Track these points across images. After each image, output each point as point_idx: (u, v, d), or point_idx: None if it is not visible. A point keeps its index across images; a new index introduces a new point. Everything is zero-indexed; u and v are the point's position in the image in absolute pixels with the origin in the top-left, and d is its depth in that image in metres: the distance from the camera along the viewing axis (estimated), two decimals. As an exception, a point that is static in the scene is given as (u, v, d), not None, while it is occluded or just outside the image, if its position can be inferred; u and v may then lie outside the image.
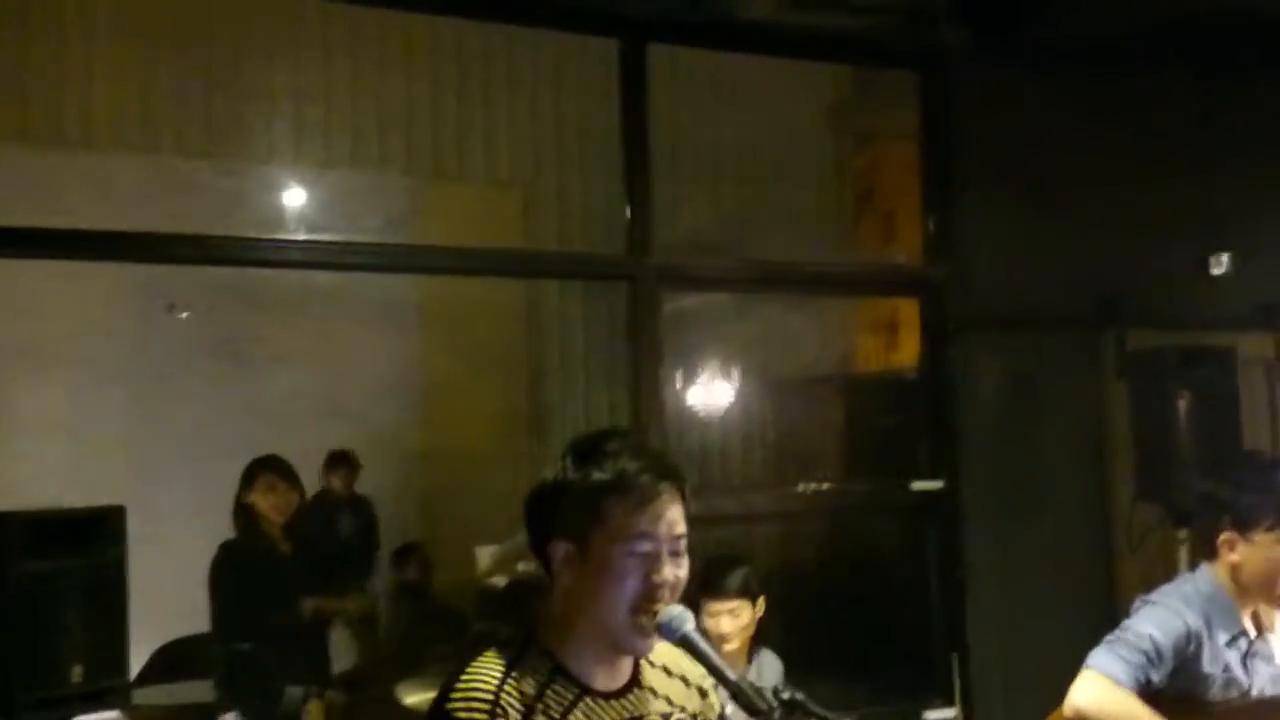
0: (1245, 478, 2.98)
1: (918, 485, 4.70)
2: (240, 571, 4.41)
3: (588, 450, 1.91)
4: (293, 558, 4.66)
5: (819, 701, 4.48)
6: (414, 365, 6.93)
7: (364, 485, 6.45)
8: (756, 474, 6.08)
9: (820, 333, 6.25)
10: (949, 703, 4.20)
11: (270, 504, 4.50)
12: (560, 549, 1.87)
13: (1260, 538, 2.88)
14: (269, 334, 6.66)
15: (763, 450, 6.18)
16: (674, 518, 1.87)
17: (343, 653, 6.04)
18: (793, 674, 4.05)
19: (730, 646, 3.56)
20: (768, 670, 3.70)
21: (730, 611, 3.55)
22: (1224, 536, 2.93)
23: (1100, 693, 2.79)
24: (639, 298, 4.34)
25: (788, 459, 6.08)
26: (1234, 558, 2.91)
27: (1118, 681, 2.77)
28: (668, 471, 1.90)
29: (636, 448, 1.91)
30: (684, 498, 1.91)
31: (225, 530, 4.55)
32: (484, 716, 1.77)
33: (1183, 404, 4.20)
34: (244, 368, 6.67)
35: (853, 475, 5.76)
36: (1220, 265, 4.89)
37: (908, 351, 5.26)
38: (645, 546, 1.84)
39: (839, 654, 5.14)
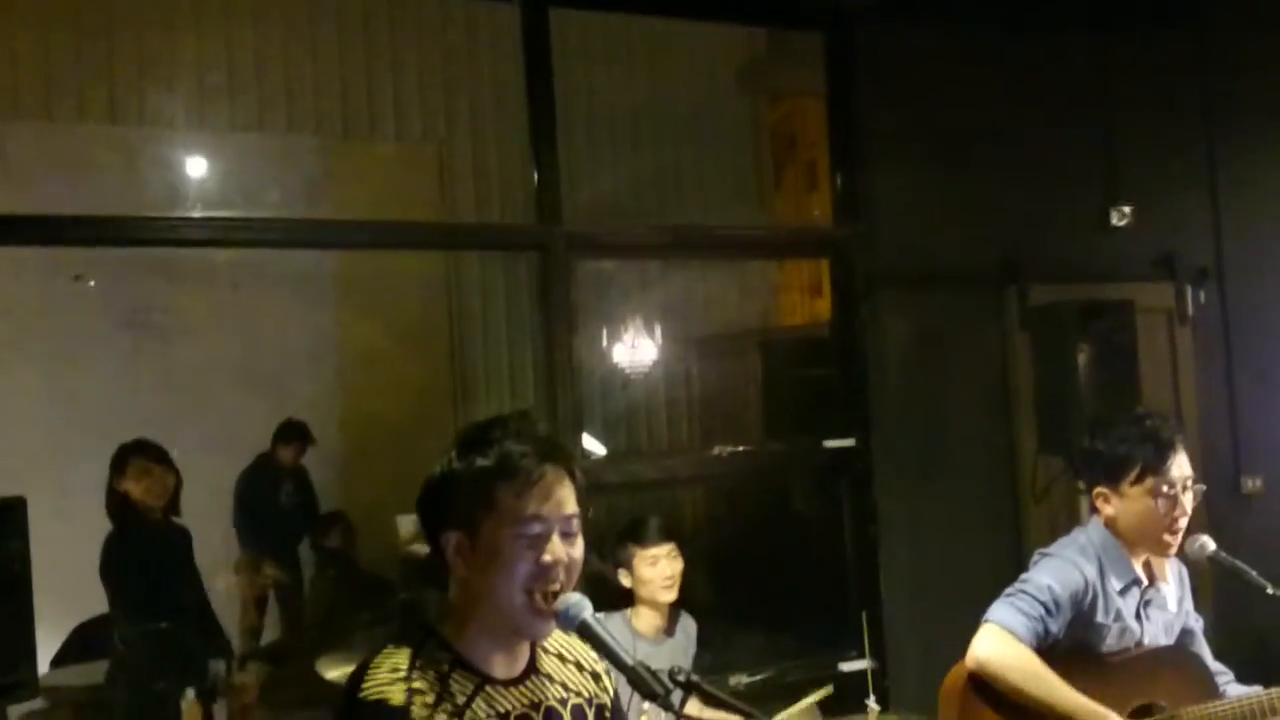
0: (1116, 432, 3.02)
1: (831, 443, 4.77)
2: (127, 566, 4.32)
3: (474, 439, 1.92)
4: (177, 536, 4.56)
5: (742, 655, 4.57)
6: (332, 335, 6.86)
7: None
8: (677, 434, 6.14)
9: (741, 292, 6.30)
10: (863, 655, 4.31)
11: (144, 489, 4.38)
12: (452, 539, 1.89)
13: (1128, 490, 2.93)
14: (181, 304, 6.53)
15: (684, 409, 6.23)
16: (562, 498, 1.89)
17: (272, 623, 6.04)
18: (715, 630, 4.14)
19: (671, 595, 3.64)
20: (689, 633, 3.79)
21: (668, 555, 3.64)
22: (1097, 490, 3.00)
23: (1000, 645, 2.85)
24: (549, 266, 4.34)
25: (708, 418, 6.15)
26: (1109, 510, 2.98)
27: (1016, 634, 2.85)
28: (554, 452, 1.91)
29: (521, 431, 1.91)
30: (573, 477, 1.92)
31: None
32: (403, 694, 1.79)
33: (1082, 357, 4.29)
34: (155, 339, 6.55)
35: (771, 434, 5.84)
36: (1121, 217, 5.01)
37: (827, 310, 5.32)
38: (535, 529, 1.85)
39: (759, 610, 5.25)
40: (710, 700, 1.91)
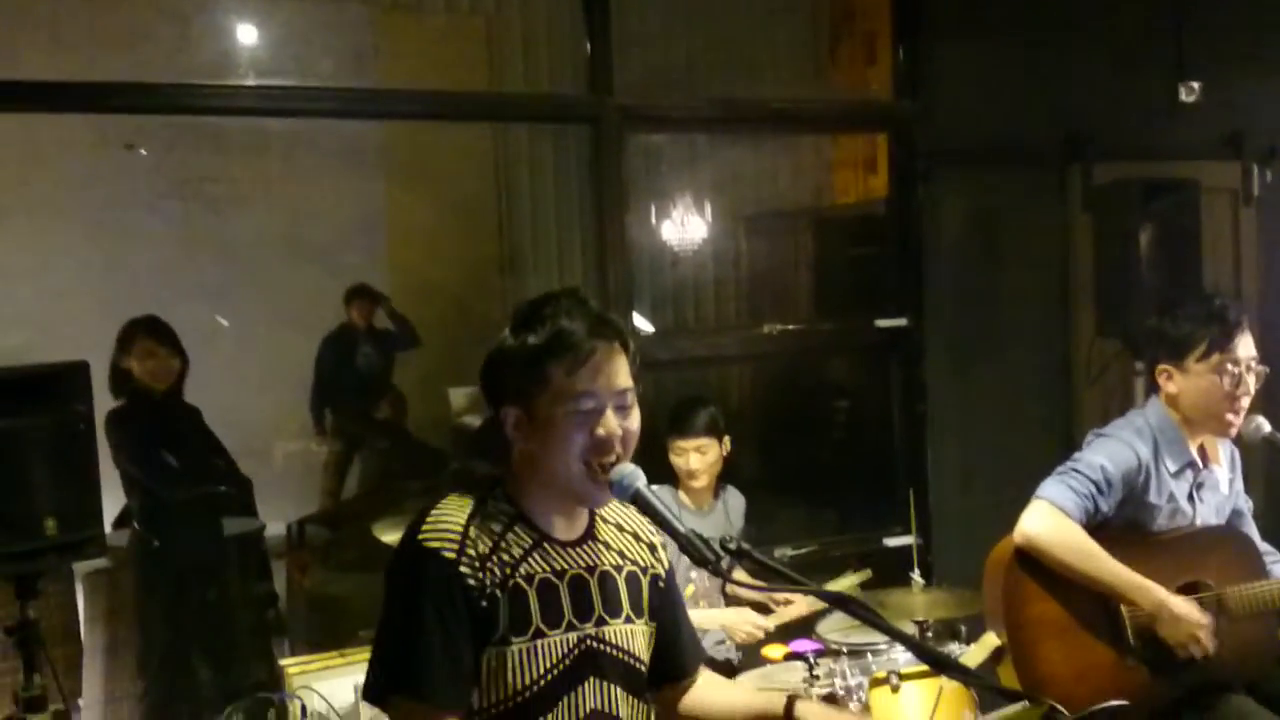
0: (1182, 310, 3.02)
1: (883, 323, 4.74)
2: (131, 440, 4.19)
3: (527, 316, 1.94)
4: (181, 411, 4.39)
5: (788, 530, 4.62)
6: (381, 208, 6.84)
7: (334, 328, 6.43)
8: (726, 312, 6.12)
9: (794, 169, 6.19)
10: (908, 532, 4.34)
11: (147, 369, 4.23)
12: (510, 414, 1.93)
13: (1193, 366, 2.93)
14: (232, 174, 6.53)
15: (734, 288, 6.19)
16: (614, 372, 1.91)
17: (318, 492, 6.17)
18: (761, 507, 4.19)
19: (699, 484, 3.69)
20: (733, 508, 3.86)
21: (697, 449, 3.67)
22: (1160, 367, 2.99)
23: (1050, 520, 2.88)
24: (601, 139, 4.28)
25: (757, 297, 6.11)
26: (1171, 388, 2.98)
27: (1066, 510, 2.87)
28: (605, 328, 1.92)
29: (573, 308, 1.92)
30: (626, 351, 1.94)
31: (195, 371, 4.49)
32: (454, 548, 1.84)
33: (1144, 237, 4.21)
34: (207, 209, 6.57)
35: (822, 313, 5.80)
36: (1189, 94, 4.84)
37: (883, 187, 5.23)
38: (588, 404, 1.88)
39: (806, 487, 5.29)
40: (759, 569, 1.94)
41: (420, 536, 1.86)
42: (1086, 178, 4.68)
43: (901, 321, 4.70)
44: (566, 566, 1.94)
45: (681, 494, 3.73)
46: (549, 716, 1.88)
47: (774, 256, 6.22)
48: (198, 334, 4.60)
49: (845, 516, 4.99)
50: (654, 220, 5.84)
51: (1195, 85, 4.90)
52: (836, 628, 3.59)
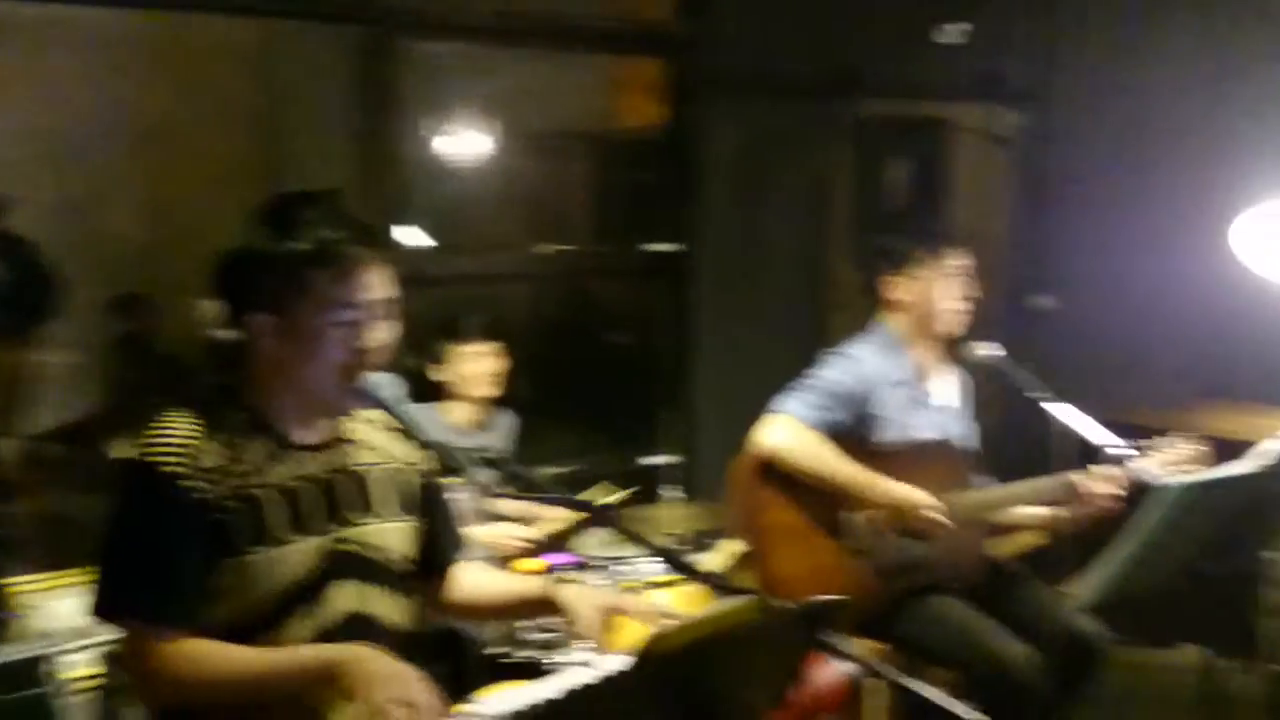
0: (901, 228, 3.30)
1: (655, 247, 4.80)
2: None
3: (282, 218, 1.86)
4: None
5: (556, 450, 4.64)
6: (133, 106, 6.40)
7: (77, 233, 6.00)
8: (502, 231, 6.05)
9: (578, 89, 6.12)
10: (671, 452, 4.46)
11: None
12: (260, 321, 1.85)
13: (914, 273, 3.20)
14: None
15: (510, 206, 6.12)
16: (378, 282, 1.87)
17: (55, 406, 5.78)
18: (532, 428, 4.19)
19: (478, 392, 3.64)
20: (505, 428, 3.82)
21: (476, 354, 3.62)
22: (884, 278, 3.23)
23: (789, 433, 3.07)
24: (372, 42, 4.13)
25: (534, 217, 6.07)
26: (895, 295, 3.23)
27: (803, 422, 3.05)
28: (370, 237, 1.89)
29: (334, 214, 1.87)
30: (387, 261, 1.90)
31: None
32: (178, 461, 1.78)
33: (900, 172, 4.40)
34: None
35: (598, 235, 5.82)
36: (950, 36, 5.03)
37: (660, 112, 5.25)
38: (350, 315, 1.84)
39: (576, 408, 5.34)
40: (523, 487, 1.96)
41: (142, 452, 1.80)
42: (851, 112, 4.83)
43: (673, 246, 4.78)
44: (312, 470, 1.90)
45: (446, 415, 3.68)
46: (301, 623, 1.85)
47: (552, 177, 6.18)
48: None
49: (613, 436, 5.08)
50: (431, 133, 5.68)
51: (959, 27, 5.11)
52: (594, 543, 3.66)
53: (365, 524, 1.93)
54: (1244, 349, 5.98)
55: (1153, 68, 5.78)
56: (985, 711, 1.70)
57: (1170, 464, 2.97)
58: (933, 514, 3.05)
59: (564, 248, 4.85)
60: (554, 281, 5.33)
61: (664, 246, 4.77)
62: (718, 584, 2.14)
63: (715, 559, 3.20)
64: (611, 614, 1.96)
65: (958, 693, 2.93)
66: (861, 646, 2.90)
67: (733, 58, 4.67)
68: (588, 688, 1.46)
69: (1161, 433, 3.11)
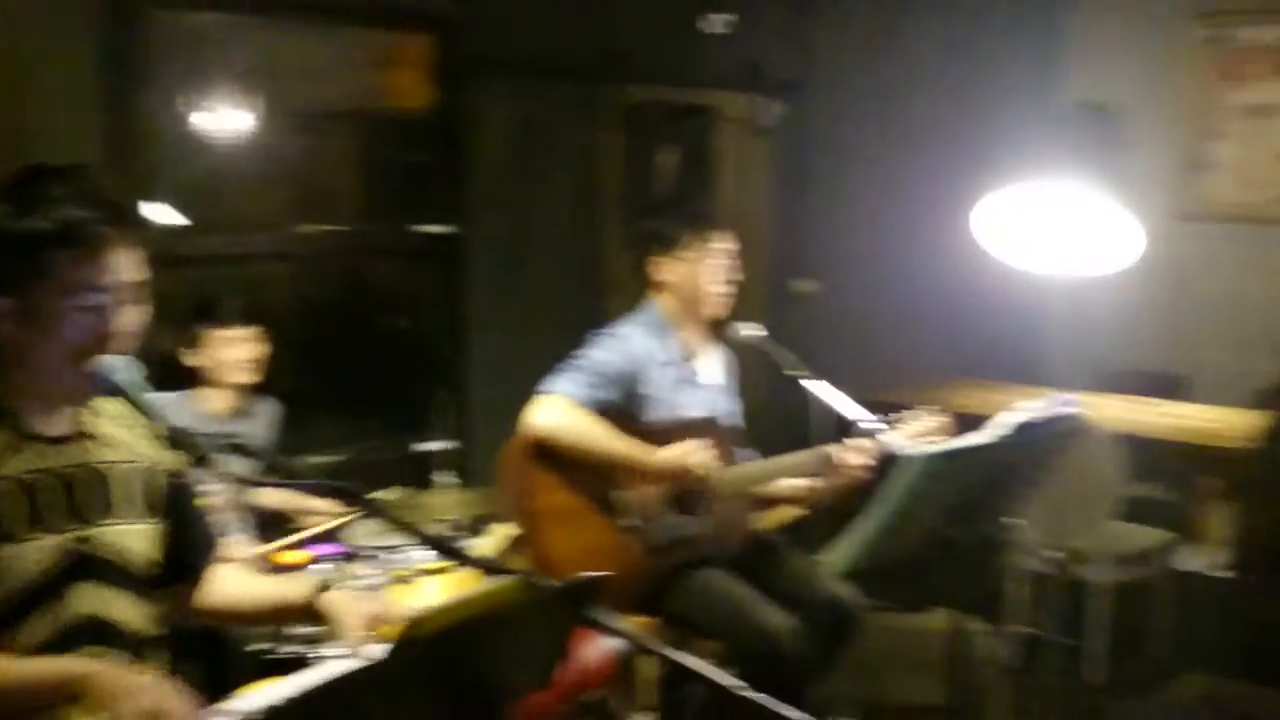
0: (668, 212, 3.40)
1: (426, 228, 4.73)
2: None
3: (23, 193, 1.75)
4: None
5: (324, 438, 4.51)
6: None
7: None
8: (262, 210, 5.81)
9: (346, 65, 5.93)
10: (445, 438, 4.41)
11: None
12: None
13: (680, 255, 3.28)
14: None
15: (273, 185, 5.89)
16: (126, 265, 1.79)
17: None
18: (299, 415, 4.06)
19: (236, 379, 3.50)
20: (266, 417, 3.70)
21: (233, 339, 3.49)
22: (652, 261, 3.32)
23: (558, 413, 3.10)
24: (121, 10, 3.90)
25: (298, 196, 5.85)
26: (662, 276, 3.30)
27: (573, 401, 3.09)
28: (116, 216, 1.79)
29: (80, 190, 1.77)
30: (136, 241, 1.82)
31: None
32: None
33: (667, 158, 4.48)
34: None
35: (367, 216, 5.66)
36: (716, 25, 5.16)
37: (431, 91, 5.16)
38: (94, 299, 1.75)
39: (347, 394, 5.19)
40: (283, 476, 1.91)
41: None
42: (619, 97, 4.89)
43: (445, 228, 4.72)
44: (53, 464, 1.80)
45: (199, 403, 3.52)
46: (39, 624, 1.76)
47: (319, 156, 5.97)
48: None
49: (385, 423, 4.97)
50: (187, 107, 5.40)
51: (720, 17, 5.25)
52: (364, 533, 3.58)
53: (105, 525, 1.85)
54: (989, 330, 6.40)
55: (904, 63, 6.11)
56: (749, 680, 1.76)
57: (916, 436, 3.15)
58: (702, 470, 3.12)
59: (330, 228, 4.71)
60: (319, 263, 5.16)
61: (435, 228, 4.70)
62: (489, 568, 2.13)
63: (489, 544, 3.19)
64: (376, 621, 1.92)
65: (724, 663, 3.03)
66: (632, 623, 2.96)
67: (504, 38, 4.64)
68: (345, 677, 1.44)
69: (910, 408, 3.29)
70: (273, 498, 3.34)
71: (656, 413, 3.26)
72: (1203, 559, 5.37)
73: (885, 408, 3.31)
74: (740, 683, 1.74)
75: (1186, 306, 6.42)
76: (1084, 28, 6.71)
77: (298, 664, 2.63)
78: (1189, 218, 6.46)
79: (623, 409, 3.20)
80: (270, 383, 3.74)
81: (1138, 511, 4.83)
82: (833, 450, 3.17)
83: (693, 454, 3.13)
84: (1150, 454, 4.75)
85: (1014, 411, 2.78)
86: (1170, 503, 5.49)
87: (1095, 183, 4.07)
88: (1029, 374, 5.88)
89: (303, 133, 5.91)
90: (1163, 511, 5.22)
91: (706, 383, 3.41)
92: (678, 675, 3.06)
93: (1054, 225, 4.02)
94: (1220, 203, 6.45)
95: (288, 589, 2.11)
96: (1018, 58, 6.52)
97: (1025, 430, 2.78)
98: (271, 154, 5.82)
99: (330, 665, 1.73)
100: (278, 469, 1.87)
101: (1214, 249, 6.40)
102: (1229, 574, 4.37)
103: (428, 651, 1.43)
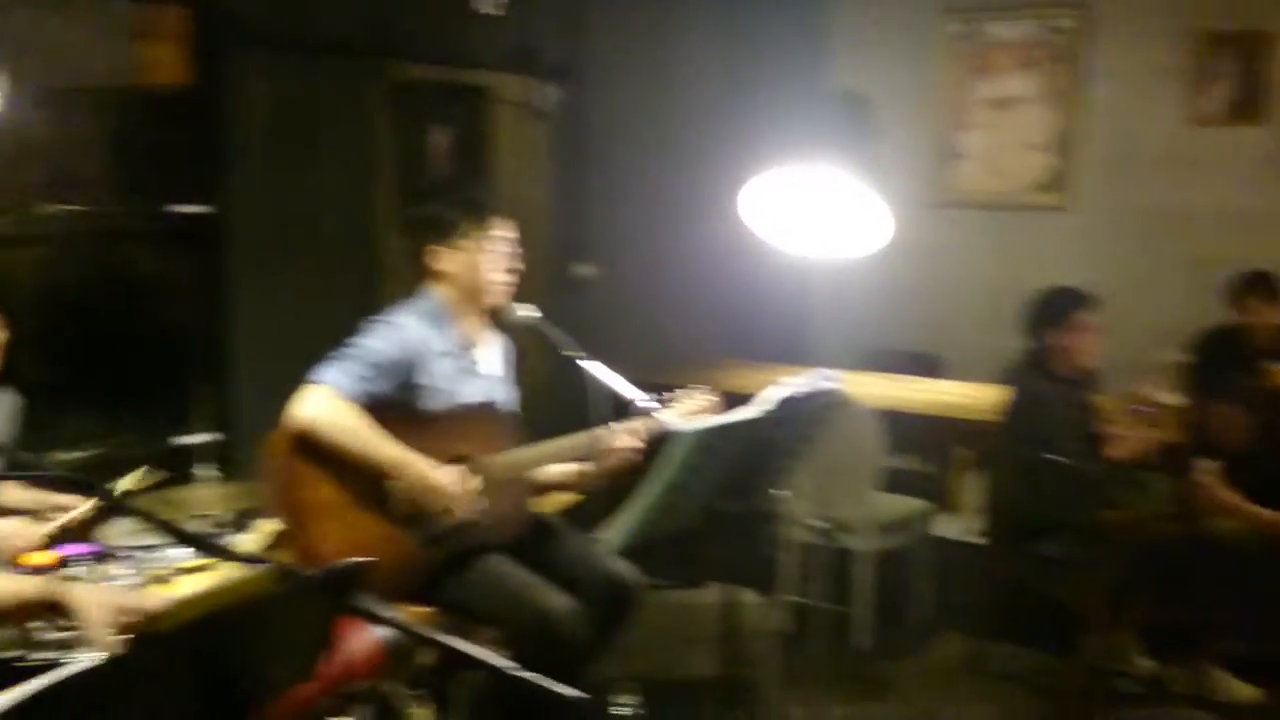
0: (446, 196, 3.33)
1: (181, 208, 4.49)
2: None
3: None
4: None
5: (74, 432, 4.25)
6: None
7: None
8: (6, 191, 5.40)
9: (94, 38, 5.56)
10: (207, 430, 4.21)
11: None
12: None
13: (459, 244, 3.21)
14: None
15: (10, 166, 5.46)
16: None
17: None
18: (42, 409, 3.78)
19: None
20: (6, 411, 3.44)
21: None
22: (429, 248, 3.25)
23: (326, 404, 2.99)
24: None
25: (41, 176, 5.45)
26: (440, 266, 3.23)
27: (341, 393, 2.98)
28: None
29: None
30: None
31: None
32: None
33: (441, 139, 4.40)
34: None
35: (117, 196, 5.33)
36: (487, 6, 5.09)
37: (187, 66, 4.89)
38: None
39: (96, 386, 4.88)
40: (25, 472, 1.78)
41: None
42: (390, 75, 4.76)
43: (201, 208, 4.49)
44: None
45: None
46: None
47: (64, 133, 5.58)
48: None
49: (141, 415, 4.69)
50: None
51: (494, -1, 5.18)
52: (120, 531, 3.38)
53: None
54: (758, 312, 6.60)
55: (680, 49, 6.22)
56: (527, 662, 1.74)
57: (688, 414, 3.20)
58: (454, 501, 3.07)
59: (76, 209, 4.40)
60: (67, 246, 4.82)
61: (191, 208, 4.47)
62: (250, 563, 2.04)
63: (253, 539, 3.04)
64: (123, 613, 1.81)
65: (503, 648, 3.01)
66: (409, 612, 2.90)
67: (264, 11, 4.45)
68: (86, 674, 1.34)
69: (682, 387, 3.35)
70: (14, 495, 3.11)
71: (435, 402, 3.18)
72: (958, 526, 5.70)
73: (659, 388, 3.36)
74: (515, 664, 1.73)
75: (941, 289, 6.80)
76: (846, 20, 7.01)
77: (50, 670, 2.44)
78: (942, 205, 6.84)
79: (401, 398, 3.11)
80: (11, 374, 3.49)
81: (898, 482, 5.09)
82: (601, 432, 3.19)
83: (454, 485, 3.07)
84: (908, 428, 5.02)
85: (778, 387, 2.86)
86: (927, 474, 5.82)
87: (853, 170, 4.24)
88: (795, 354, 6.11)
89: (47, 109, 5.51)
90: (921, 482, 5.52)
91: (486, 372, 3.36)
92: (454, 662, 3.02)
93: (813, 209, 4.17)
94: (970, 190, 6.85)
95: (26, 585, 1.96)
96: (788, 46, 6.74)
97: (788, 404, 2.88)
98: (11, 132, 5.41)
99: (69, 665, 1.62)
100: (18, 465, 1.73)
101: (965, 234, 6.80)
102: (982, 540, 4.65)
103: (174, 645, 1.35)
